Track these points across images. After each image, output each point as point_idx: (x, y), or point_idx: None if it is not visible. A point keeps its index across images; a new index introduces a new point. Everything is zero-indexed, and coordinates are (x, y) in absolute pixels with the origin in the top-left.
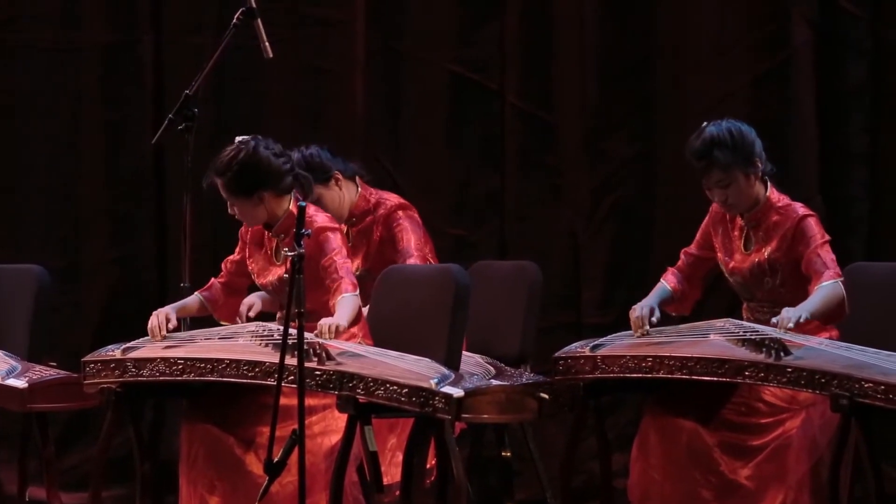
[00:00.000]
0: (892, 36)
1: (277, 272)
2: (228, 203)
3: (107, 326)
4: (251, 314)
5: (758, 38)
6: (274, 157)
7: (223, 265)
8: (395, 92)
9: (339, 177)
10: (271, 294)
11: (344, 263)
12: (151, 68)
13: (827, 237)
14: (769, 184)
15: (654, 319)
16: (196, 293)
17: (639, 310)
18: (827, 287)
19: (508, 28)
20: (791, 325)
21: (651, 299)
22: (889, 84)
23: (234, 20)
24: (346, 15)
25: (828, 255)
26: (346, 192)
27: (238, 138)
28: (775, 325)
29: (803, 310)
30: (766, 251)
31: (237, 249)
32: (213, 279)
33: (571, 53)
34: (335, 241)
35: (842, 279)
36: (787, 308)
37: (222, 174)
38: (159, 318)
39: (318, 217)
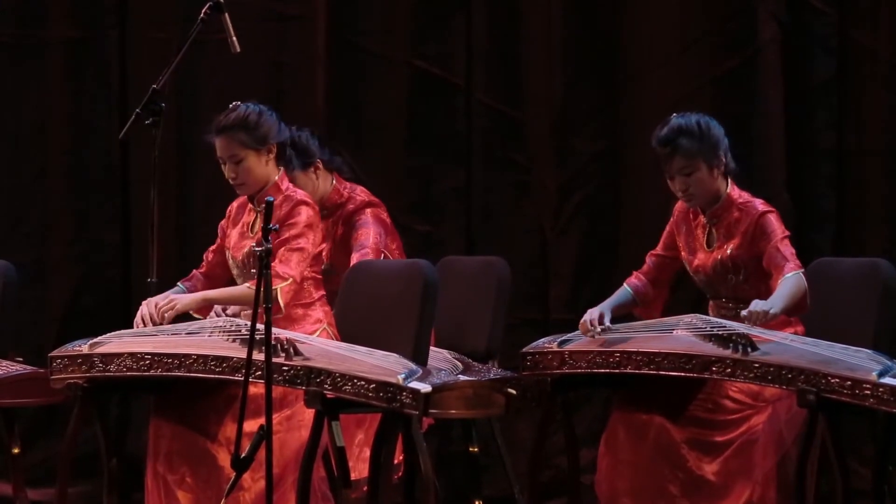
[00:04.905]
0: (859, 33)
1: (249, 244)
2: (228, 165)
3: (71, 322)
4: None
5: (725, 34)
6: (278, 121)
7: (205, 256)
8: (357, 87)
9: (320, 166)
10: (239, 273)
11: (297, 246)
12: (117, 63)
13: (787, 232)
14: (730, 181)
15: (605, 324)
16: (179, 283)
17: (587, 315)
18: (790, 279)
19: (474, 23)
20: (759, 321)
21: (604, 304)
22: (856, 81)
23: (202, 15)
24: (307, 10)
25: (787, 248)
26: (320, 183)
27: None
28: (745, 319)
29: (772, 305)
30: (729, 249)
31: (217, 241)
32: (194, 271)
33: (538, 49)
34: (303, 215)
35: (802, 270)
36: (756, 301)
37: (231, 128)
38: (151, 306)
39: (299, 192)
